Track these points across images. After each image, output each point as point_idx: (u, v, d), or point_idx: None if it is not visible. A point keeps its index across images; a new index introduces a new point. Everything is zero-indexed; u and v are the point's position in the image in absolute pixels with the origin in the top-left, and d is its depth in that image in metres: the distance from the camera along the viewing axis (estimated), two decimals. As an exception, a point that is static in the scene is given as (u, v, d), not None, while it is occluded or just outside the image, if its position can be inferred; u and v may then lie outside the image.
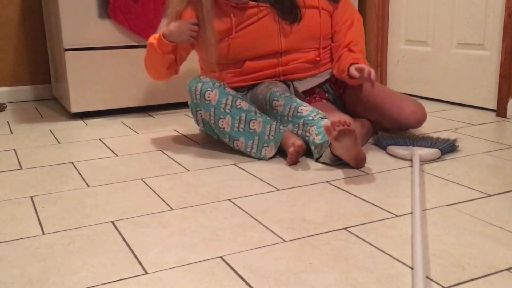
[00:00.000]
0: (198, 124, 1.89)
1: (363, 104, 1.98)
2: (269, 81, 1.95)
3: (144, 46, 2.50)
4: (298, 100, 1.81)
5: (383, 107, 1.92)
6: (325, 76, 2.02)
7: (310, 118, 1.74)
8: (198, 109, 1.83)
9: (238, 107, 1.77)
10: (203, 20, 1.86)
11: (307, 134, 1.74)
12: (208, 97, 1.77)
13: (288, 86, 2.01)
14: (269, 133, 1.75)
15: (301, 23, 1.93)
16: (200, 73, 2.11)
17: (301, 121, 1.75)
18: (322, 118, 1.74)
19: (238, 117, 1.76)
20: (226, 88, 1.80)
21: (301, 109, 1.77)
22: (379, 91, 1.97)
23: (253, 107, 1.79)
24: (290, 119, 1.78)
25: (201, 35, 1.88)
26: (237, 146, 1.80)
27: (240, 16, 1.88)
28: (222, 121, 1.78)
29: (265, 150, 1.77)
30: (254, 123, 1.76)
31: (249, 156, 1.81)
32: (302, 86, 1.99)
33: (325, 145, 1.67)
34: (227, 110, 1.76)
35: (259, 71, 1.94)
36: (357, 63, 1.84)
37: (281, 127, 1.77)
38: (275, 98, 1.82)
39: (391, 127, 1.95)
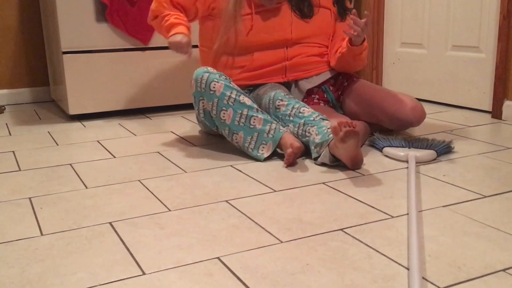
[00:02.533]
0: (199, 114, 1.90)
1: (361, 104, 2.00)
2: (272, 83, 1.98)
3: (141, 49, 2.51)
4: (301, 102, 1.84)
5: (383, 105, 1.94)
6: (327, 75, 2.06)
7: (311, 118, 1.76)
8: (201, 98, 1.84)
9: (241, 102, 1.78)
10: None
11: (307, 134, 1.75)
12: (213, 87, 1.79)
13: (289, 87, 2.03)
14: (269, 131, 1.77)
15: (313, 20, 2.01)
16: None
17: (302, 121, 1.77)
18: (322, 119, 1.75)
19: (240, 111, 1.78)
20: (231, 83, 1.82)
21: (303, 110, 1.79)
22: (377, 90, 1.99)
23: (255, 105, 1.81)
24: (291, 118, 1.80)
25: (226, 13, 1.94)
26: (236, 139, 1.81)
27: (258, 3, 1.95)
28: (224, 113, 1.79)
29: (263, 148, 1.78)
30: (255, 119, 1.77)
31: (246, 153, 1.82)
32: (308, 84, 2.03)
33: (324, 145, 1.68)
34: (230, 103, 1.78)
35: (267, 66, 1.97)
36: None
37: (281, 127, 1.78)
38: (280, 98, 1.85)
39: (391, 126, 1.97)
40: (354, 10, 1.88)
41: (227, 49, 2.00)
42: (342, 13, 2.07)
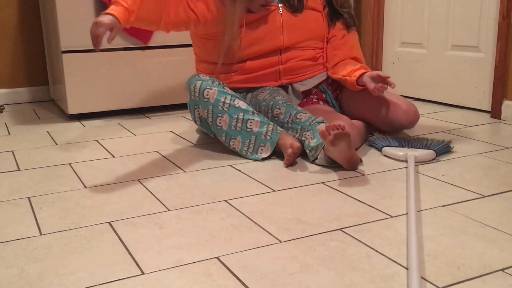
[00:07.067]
0: (195, 122, 1.91)
1: (357, 105, 2.00)
2: (271, 88, 1.96)
3: (141, 48, 2.51)
4: (298, 108, 1.83)
5: (376, 108, 1.94)
6: (323, 76, 2.05)
7: (307, 123, 1.76)
8: (196, 106, 1.84)
9: (236, 106, 1.78)
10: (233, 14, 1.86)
11: (303, 138, 1.75)
12: (207, 94, 1.79)
13: (286, 89, 2.03)
14: (266, 133, 1.77)
15: (304, 21, 1.99)
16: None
17: (299, 126, 1.77)
18: (319, 122, 1.75)
19: (236, 116, 1.77)
20: (225, 87, 1.81)
21: (300, 116, 1.79)
22: None
23: (250, 107, 1.80)
24: (289, 125, 1.80)
25: (227, 26, 1.88)
26: (233, 144, 1.81)
27: (247, 14, 1.92)
28: (220, 120, 1.79)
29: (261, 149, 1.78)
30: (251, 122, 1.77)
31: (244, 157, 1.82)
32: (303, 86, 2.02)
33: (319, 148, 1.68)
34: (225, 109, 1.78)
35: (260, 70, 1.96)
36: (367, 71, 1.87)
37: (278, 128, 1.78)
38: (277, 106, 1.84)
39: (385, 128, 1.97)
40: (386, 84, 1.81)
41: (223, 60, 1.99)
42: (332, 15, 2.05)
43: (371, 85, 1.81)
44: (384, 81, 1.79)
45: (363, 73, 1.87)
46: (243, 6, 1.87)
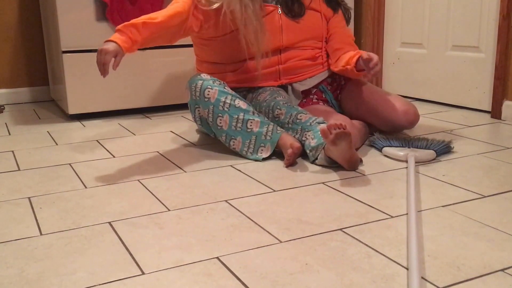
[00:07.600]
0: (196, 121, 1.91)
1: (357, 106, 2.00)
2: (271, 88, 1.96)
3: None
4: (299, 108, 1.83)
5: (376, 108, 1.94)
6: (322, 76, 2.05)
7: (308, 124, 1.76)
8: (196, 106, 1.84)
9: (237, 106, 1.78)
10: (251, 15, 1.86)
11: (304, 138, 1.75)
12: (208, 94, 1.79)
13: (286, 89, 2.03)
14: (266, 133, 1.77)
15: (303, 21, 2.00)
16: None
17: (300, 127, 1.77)
18: (319, 123, 1.75)
19: (236, 116, 1.77)
20: (226, 87, 1.81)
21: (300, 116, 1.79)
22: (372, 92, 1.99)
23: (251, 107, 1.80)
24: (290, 125, 1.80)
25: (247, 27, 1.86)
26: (233, 145, 1.81)
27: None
28: (221, 120, 1.79)
29: (261, 150, 1.78)
30: (251, 123, 1.77)
31: (244, 157, 1.82)
32: (302, 86, 2.02)
33: (319, 148, 1.68)
34: (226, 109, 1.78)
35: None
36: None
37: (278, 128, 1.78)
38: (278, 107, 1.84)
39: (385, 128, 1.97)
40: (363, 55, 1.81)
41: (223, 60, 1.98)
42: (334, 6, 2.06)
43: (366, 68, 1.81)
44: (367, 61, 1.78)
45: (359, 58, 1.87)
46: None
